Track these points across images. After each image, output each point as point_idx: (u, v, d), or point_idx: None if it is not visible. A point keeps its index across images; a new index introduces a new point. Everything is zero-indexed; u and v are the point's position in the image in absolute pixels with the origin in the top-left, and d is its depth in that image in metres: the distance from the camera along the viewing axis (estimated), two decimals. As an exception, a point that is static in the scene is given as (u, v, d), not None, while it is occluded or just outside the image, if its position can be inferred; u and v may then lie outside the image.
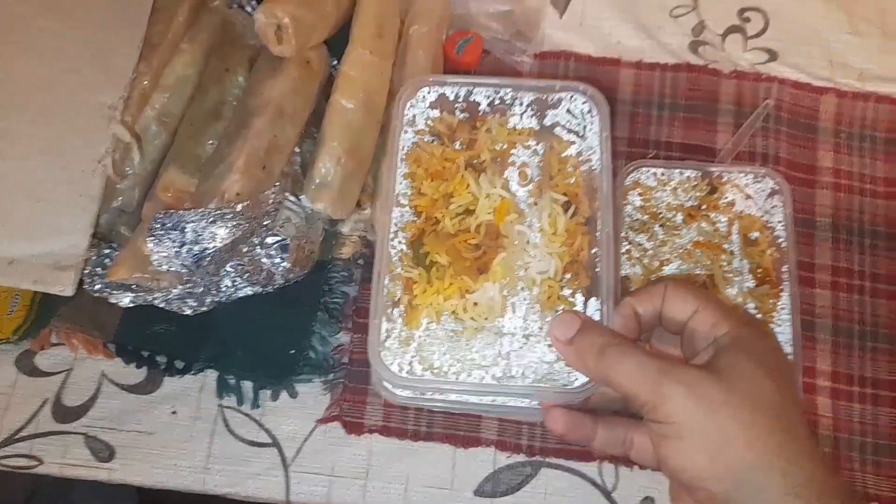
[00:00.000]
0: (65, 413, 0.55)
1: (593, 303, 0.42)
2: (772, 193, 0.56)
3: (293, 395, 0.55)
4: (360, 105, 0.54)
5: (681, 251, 0.55)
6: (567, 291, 0.43)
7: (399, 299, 0.42)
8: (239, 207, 0.47)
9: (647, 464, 0.39)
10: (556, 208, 0.45)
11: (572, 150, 0.48)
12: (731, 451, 0.31)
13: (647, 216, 0.56)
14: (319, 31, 0.54)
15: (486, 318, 0.41)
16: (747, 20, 0.67)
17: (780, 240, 0.55)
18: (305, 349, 0.55)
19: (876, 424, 0.57)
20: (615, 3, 0.67)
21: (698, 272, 0.54)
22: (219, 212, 0.46)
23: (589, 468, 0.55)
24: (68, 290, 0.41)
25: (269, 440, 0.54)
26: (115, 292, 0.51)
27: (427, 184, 0.45)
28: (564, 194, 0.46)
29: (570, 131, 0.48)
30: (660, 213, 0.56)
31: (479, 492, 0.54)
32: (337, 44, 0.56)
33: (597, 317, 0.41)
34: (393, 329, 0.42)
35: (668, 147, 0.63)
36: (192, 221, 0.46)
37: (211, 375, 0.56)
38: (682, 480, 0.33)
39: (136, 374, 0.56)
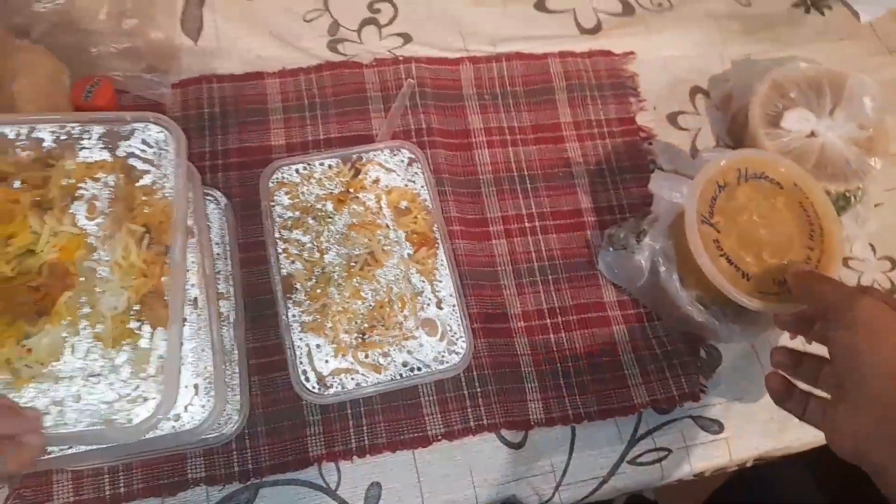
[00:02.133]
0: None
1: (160, 332, 0.41)
2: (410, 163, 0.59)
3: None
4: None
5: (338, 237, 0.56)
6: (135, 324, 0.41)
7: None
8: None
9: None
10: (131, 240, 0.43)
11: (147, 180, 0.47)
12: None
13: (297, 212, 0.56)
14: None
15: (41, 364, 0.39)
16: (378, 11, 0.71)
17: (427, 203, 0.58)
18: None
19: (573, 347, 0.60)
20: (247, 20, 0.68)
21: (357, 252, 0.55)
22: None
23: (308, 474, 0.54)
24: None
25: None
26: None
27: (-10, 231, 0.42)
28: (144, 225, 0.45)
29: (145, 161, 0.47)
30: (310, 206, 0.56)
31: (197, 534, 0.51)
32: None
33: (163, 346, 0.41)
34: None
35: (328, 144, 0.64)
36: None
37: None
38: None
39: None
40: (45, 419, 0.37)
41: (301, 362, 0.52)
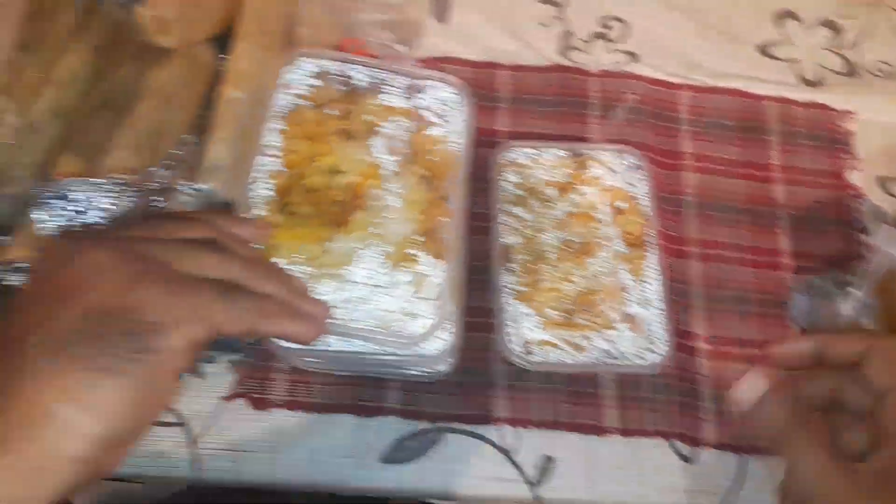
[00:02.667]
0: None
1: (439, 266, 0.45)
2: (633, 168, 0.62)
3: (199, 374, 0.56)
4: (249, 94, 0.57)
5: (556, 221, 0.59)
6: (415, 252, 0.46)
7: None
8: (125, 178, 0.48)
9: None
10: (418, 180, 0.48)
11: (436, 131, 0.52)
12: None
13: (523, 191, 0.60)
14: (203, 25, 0.57)
15: (332, 266, 0.44)
16: (609, 28, 0.74)
17: (646, 208, 0.60)
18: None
19: (750, 380, 0.61)
20: (491, 15, 0.73)
21: (573, 239, 0.58)
22: (103, 182, 0.48)
23: (489, 431, 0.56)
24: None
25: (175, 419, 0.54)
26: (11, 275, 0.51)
27: (301, 144, 0.48)
28: (427, 169, 0.49)
29: (436, 115, 0.52)
30: (535, 188, 0.60)
31: (385, 459, 0.54)
32: (226, 41, 0.59)
33: (440, 275, 0.45)
34: None
35: (546, 137, 0.68)
36: (75, 189, 0.47)
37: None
38: None
39: None
40: (336, 312, 0.42)
41: (510, 326, 0.55)
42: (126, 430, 0.29)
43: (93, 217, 0.48)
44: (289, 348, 0.48)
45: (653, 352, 0.55)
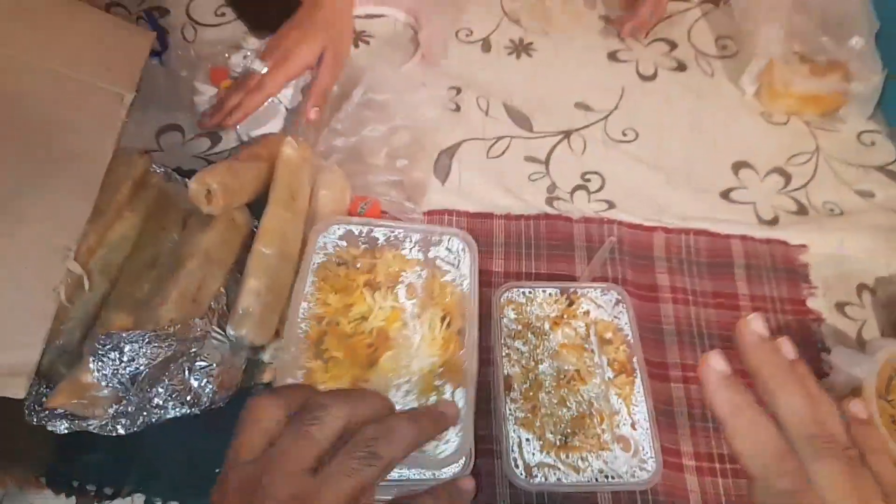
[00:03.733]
0: (-9, 549, 0.57)
1: (459, 392, 0.52)
2: (617, 302, 0.70)
3: None
4: (277, 251, 0.66)
5: (551, 352, 0.66)
6: (439, 382, 0.53)
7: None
8: (171, 330, 0.56)
9: None
10: (436, 320, 0.56)
11: (449, 277, 0.60)
12: None
13: (520, 326, 0.67)
14: (242, 195, 0.67)
15: None
16: (588, 180, 0.85)
17: (629, 337, 0.67)
18: (229, 467, 0.61)
19: (741, 495, 0.65)
20: (484, 173, 0.85)
21: (566, 368, 0.65)
22: (153, 334, 0.55)
23: (494, 557, 0.60)
24: (20, 393, 0.47)
25: None
26: (53, 420, 0.57)
27: (332, 296, 0.56)
28: (443, 310, 0.58)
29: (448, 263, 0.61)
30: (531, 323, 0.68)
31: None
32: (258, 207, 0.69)
33: (461, 402, 0.51)
34: None
35: (538, 277, 0.76)
36: (130, 342, 0.54)
37: (139, 499, 0.60)
38: None
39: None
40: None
41: (513, 451, 0.60)
42: None
43: (138, 363, 0.55)
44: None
45: (644, 470, 0.60)
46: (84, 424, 0.57)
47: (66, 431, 0.57)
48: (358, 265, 0.60)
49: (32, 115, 0.53)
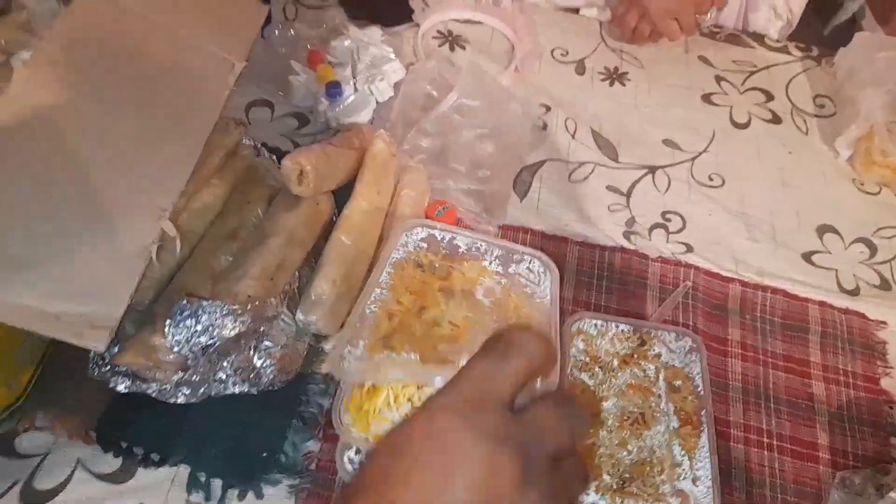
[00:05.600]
0: (33, 496, 0.56)
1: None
2: (690, 350, 0.68)
3: (259, 495, 0.58)
4: (356, 241, 0.65)
5: (617, 390, 0.64)
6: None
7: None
8: (249, 306, 0.55)
9: None
10: None
11: (527, 291, 0.59)
12: None
13: (588, 358, 0.66)
14: (332, 180, 0.66)
15: None
16: (669, 220, 0.83)
17: (699, 389, 0.65)
18: (277, 452, 0.60)
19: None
20: (564, 195, 0.83)
21: (631, 409, 0.63)
22: (233, 307, 0.54)
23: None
24: (101, 347, 0.47)
25: None
26: (115, 377, 0.56)
27: (405, 296, 0.55)
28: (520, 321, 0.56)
29: (528, 281, 0.60)
30: (599, 357, 0.66)
31: None
32: (340, 195, 0.69)
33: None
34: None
35: (606, 310, 0.74)
36: (209, 312, 0.53)
37: (183, 470, 0.59)
38: None
39: (111, 463, 0.58)
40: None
41: (568, 486, 0.58)
42: None
43: (211, 335, 0.54)
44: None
45: (702, 529, 0.58)
46: (144, 387, 0.57)
47: (125, 391, 0.57)
48: (435, 270, 0.59)
49: (153, 72, 0.53)
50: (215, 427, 0.60)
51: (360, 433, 0.50)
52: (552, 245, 0.78)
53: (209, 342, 0.54)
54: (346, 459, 0.52)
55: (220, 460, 0.59)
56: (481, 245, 0.61)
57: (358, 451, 0.51)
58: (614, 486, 0.59)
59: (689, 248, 0.81)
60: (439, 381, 0.50)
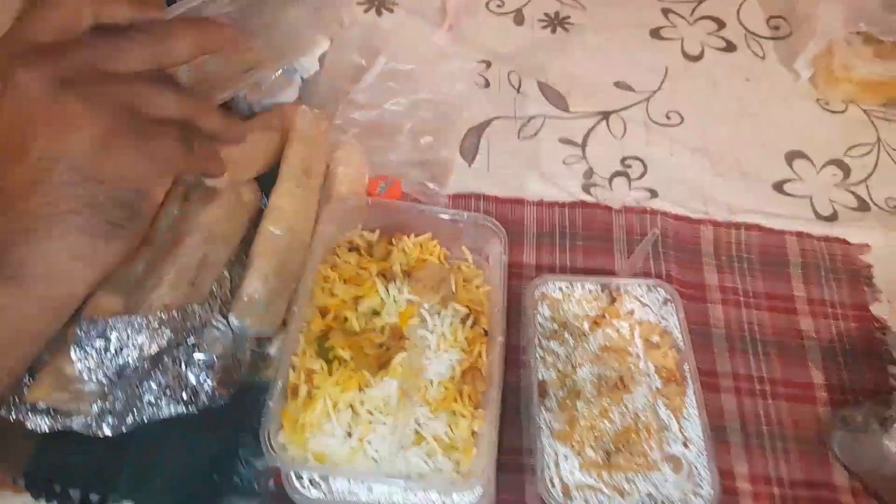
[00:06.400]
0: (-43, 560, 0.50)
1: (479, 414, 0.45)
2: (665, 302, 0.63)
3: None
4: (287, 232, 0.58)
5: (591, 356, 0.59)
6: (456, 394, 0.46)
7: (298, 390, 0.44)
8: (165, 317, 0.49)
9: None
10: (456, 318, 0.49)
11: (474, 268, 0.53)
12: None
13: (556, 325, 0.60)
14: (250, 168, 0.60)
15: (381, 413, 0.43)
16: (629, 166, 0.78)
17: (679, 342, 0.60)
18: (230, 474, 0.54)
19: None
20: (515, 154, 0.77)
21: (608, 374, 0.58)
22: (145, 320, 0.48)
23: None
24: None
25: None
26: (33, 416, 0.50)
27: (339, 286, 0.49)
28: (466, 307, 0.50)
29: (473, 252, 0.54)
30: (568, 322, 0.60)
31: None
32: (267, 183, 0.62)
33: (487, 433, 0.45)
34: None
35: (572, 270, 0.69)
36: (118, 329, 0.47)
37: (127, 508, 0.53)
38: None
39: None
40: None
41: (549, 468, 0.53)
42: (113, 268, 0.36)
43: (126, 354, 0.48)
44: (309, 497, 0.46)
45: (699, 495, 0.53)
46: (69, 422, 0.51)
47: (47, 430, 0.50)
48: (372, 252, 0.53)
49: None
50: (159, 455, 0.54)
51: (297, 451, 0.44)
52: (508, 210, 0.73)
53: (125, 363, 0.47)
54: (293, 477, 0.46)
55: (167, 493, 0.53)
56: (421, 214, 0.55)
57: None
58: (600, 461, 0.54)
59: (654, 194, 0.76)
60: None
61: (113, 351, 0.47)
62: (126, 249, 0.37)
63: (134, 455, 0.54)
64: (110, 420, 0.51)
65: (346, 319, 0.47)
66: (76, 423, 0.51)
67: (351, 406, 0.44)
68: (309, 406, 0.43)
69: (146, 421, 0.52)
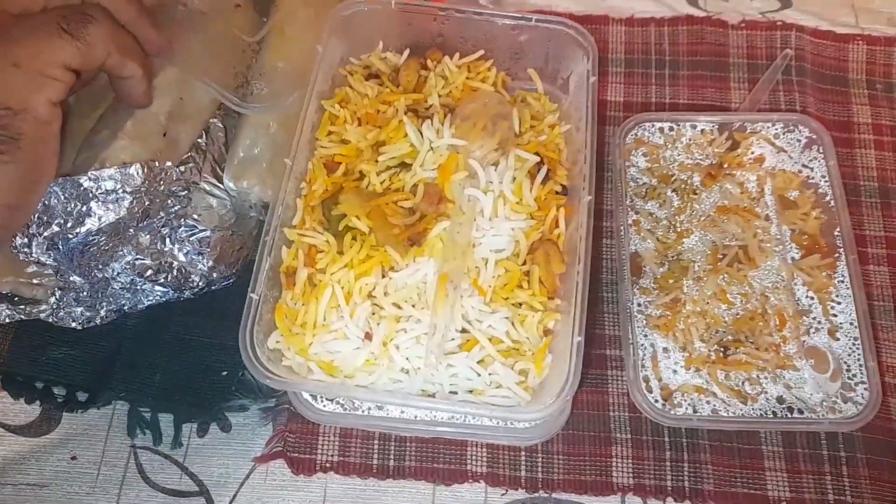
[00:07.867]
0: (-67, 465, 0.44)
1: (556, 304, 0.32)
2: (808, 144, 0.48)
3: (225, 427, 0.46)
4: (295, 66, 0.45)
5: (702, 219, 0.46)
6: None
7: (296, 273, 0.32)
8: (119, 177, 0.37)
9: None
10: (523, 170, 0.34)
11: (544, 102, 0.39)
12: None
13: (655, 179, 0.47)
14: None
15: (413, 307, 0.30)
16: (752, -34, 0.59)
17: (827, 198, 0.45)
18: (239, 369, 0.45)
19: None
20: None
21: (728, 243, 0.44)
22: (93, 183, 0.36)
23: (609, 502, 0.42)
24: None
25: (194, 487, 0.44)
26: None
27: (352, 129, 0.35)
28: (536, 153, 0.36)
29: (543, 80, 0.39)
30: (672, 176, 0.47)
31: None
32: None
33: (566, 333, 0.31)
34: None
35: (675, 108, 0.55)
36: (55, 194, 0.35)
37: (122, 409, 0.45)
38: None
39: (27, 412, 0.46)
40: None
41: (644, 366, 0.41)
42: (18, 199, 0.32)
43: (73, 230, 0.37)
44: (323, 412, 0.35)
45: (850, 400, 0.40)
46: (33, 311, 0.42)
47: (7, 320, 0.41)
48: (398, 80, 0.38)
49: None
50: (153, 348, 0.46)
51: (296, 361, 0.32)
52: (587, 30, 0.56)
53: (73, 238, 0.36)
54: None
55: (165, 390, 0.45)
56: (468, 28, 0.39)
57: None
58: (713, 358, 0.41)
59: (786, 3, 0.61)
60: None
61: (56, 224, 0.35)
62: (17, 174, 0.31)
63: (128, 349, 0.46)
64: (78, 310, 0.41)
65: (361, 176, 0.34)
66: (45, 313, 0.41)
67: (370, 297, 0.31)
68: (311, 297, 0.31)
69: (126, 310, 0.42)
